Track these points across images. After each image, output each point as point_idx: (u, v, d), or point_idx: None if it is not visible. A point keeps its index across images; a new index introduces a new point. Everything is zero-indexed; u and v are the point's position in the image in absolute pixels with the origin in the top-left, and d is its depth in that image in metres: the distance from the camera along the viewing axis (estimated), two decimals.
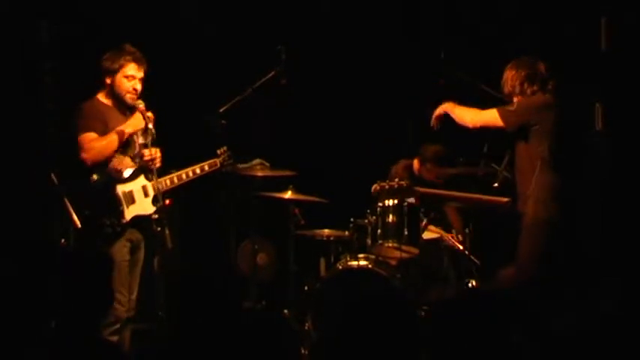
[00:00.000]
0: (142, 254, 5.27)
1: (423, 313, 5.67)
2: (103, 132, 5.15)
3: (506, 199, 5.17)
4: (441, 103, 6.42)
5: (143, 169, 5.20)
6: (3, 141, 6.52)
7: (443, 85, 6.13)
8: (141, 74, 5.18)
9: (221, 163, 5.55)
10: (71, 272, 4.06)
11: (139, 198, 5.17)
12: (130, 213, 5.13)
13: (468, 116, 5.33)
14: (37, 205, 6.25)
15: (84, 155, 5.13)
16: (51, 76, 6.93)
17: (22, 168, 6.32)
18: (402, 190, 5.67)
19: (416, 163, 6.67)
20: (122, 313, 5.05)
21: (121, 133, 5.14)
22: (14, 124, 6.61)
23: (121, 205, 5.12)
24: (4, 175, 6.46)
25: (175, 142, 5.38)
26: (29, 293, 5.30)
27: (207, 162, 5.51)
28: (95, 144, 5.12)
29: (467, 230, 5.91)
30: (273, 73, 6.09)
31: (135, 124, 5.18)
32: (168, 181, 5.30)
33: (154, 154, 5.18)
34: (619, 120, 6.13)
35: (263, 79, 6.08)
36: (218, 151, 5.58)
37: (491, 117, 5.23)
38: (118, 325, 5.02)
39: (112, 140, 5.14)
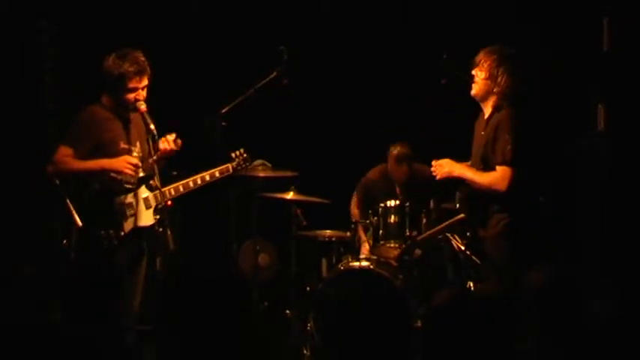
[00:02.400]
0: (144, 262, 5.13)
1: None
2: (95, 145, 4.98)
3: (461, 216, 5.09)
4: (441, 104, 6.46)
5: (145, 179, 5.06)
6: (3, 141, 6.51)
7: (444, 85, 6.12)
8: (144, 83, 5.00)
9: (234, 168, 5.34)
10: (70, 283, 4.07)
11: (140, 210, 5.02)
12: (128, 225, 4.99)
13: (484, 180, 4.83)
14: (37, 205, 6.25)
15: (49, 166, 4.97)
16: (51, 76, 6.92)
17: (23, 168, 6.31)
18: (414, 245, 5.66)
19: (390, 164, 6.70)
20: (116, 319, 4.98)
21: (98, 167, 4.95)
22: (14, 124, 6.60)
23: (119, 217, 4.97)
24: (4, 175, 6.45)
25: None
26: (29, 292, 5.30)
27: (219, 168, 5.31)
28: (66, 160, 4.95)
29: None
30: (274, 73, 6.07)
31: (116, 166, 4.97)
32: (172, 191, 5.12)
33: (170, 140, 5.06)
34: (620, 120, 6.12)
35: (265, 80, 6.06)
36: (233, 155, 5.39)
37: (510, 175, 4.75)
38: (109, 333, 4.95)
39: (84, 167, 4.95)
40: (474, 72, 4.93)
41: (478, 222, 4.93)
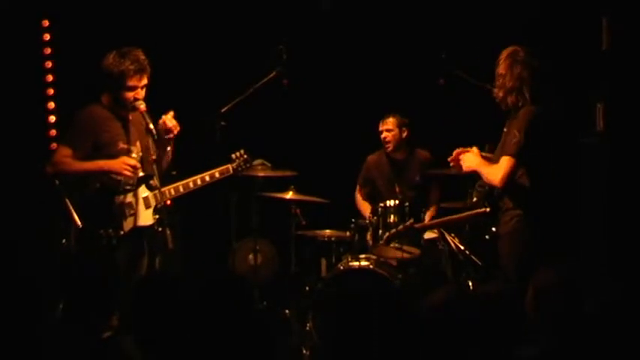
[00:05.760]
0: (144, 261, 5.13)
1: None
2: (94, 144, 4.98)
3: (483, 209, 5.10)
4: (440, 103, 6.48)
5: (145, 178, 5.05)
6: (3, 141, 6.52)
7: (443, 84, 6.14)
8: (144, 82, 5.01)
9: (234, 169, 5.34)
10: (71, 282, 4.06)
11: (140, 209, 5.02)
12: (128, 225, 4.99)
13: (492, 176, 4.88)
14: (37, 204, 6.25)
15: (48, 167, 4.97)
16: (51, 76, 6.94)
17: (23, 168, 6.32)
18: (407, 231, 5.63)
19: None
20: (114, 320, 4.97)
21: (97, 168, 4.96)
22: (14, 123, 6.62)
23: (118, 216, 4.97)
24: (4, 175, 6.46)
25: (176, 143, 5.32)
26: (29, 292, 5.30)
27: (219, 169, 5.30)
28: (65, 161, 4.94)
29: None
30: (274, 73, 6.08)
31: (114, 168, 4.97)
32: (172, 191, 5.13)
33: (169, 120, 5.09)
34: (620, 120, 6.12)
35: (264, 80, 6.07)
36: (233, 156, 5.38)
37: (509, 166, 4.80)
38: (110, 332, 4.94)
39: (83, 168, 4.96)
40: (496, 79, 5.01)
41: (494, 218, 4.96)
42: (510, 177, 4.77)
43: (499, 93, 4.95)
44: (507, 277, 4.84)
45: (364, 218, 6.41)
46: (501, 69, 4.91)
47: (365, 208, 6.73)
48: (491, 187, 4.94)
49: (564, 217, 5.03)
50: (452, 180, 6.23)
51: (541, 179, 4.84)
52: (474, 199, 5.08)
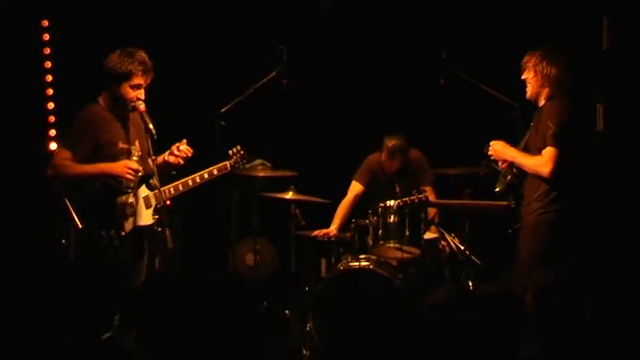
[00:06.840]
0: (144, 261, 5.14)
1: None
2: (94, 146, 4.95)
3: (506, 202, 5.14)
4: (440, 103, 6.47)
5: (145, 178, 5.03)
6: (3, 141, 6.53)
7: (443, 84, 6.14)
8: (147, 82, 5.00)
9: (232, 165, 5.32)
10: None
11: (140, 209, 5.00)
12: (129, 225, 4.97)
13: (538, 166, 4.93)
14: (37, 204, 6.26)
15: (49, 170, 4.94)
16: (51, 76, 6.94)
17: (23, 168, 6.32)
18: (421, 203, 5.65)
19: (383, 155, 6.60)
20: (114, 320, 4.97)
21: (99, 172, 4.93)
22: (14, 123, 6.62)
23: (119, 217, 4.95)
24: (4, 175, 6.46)
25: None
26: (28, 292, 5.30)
27: (217, 166, 5.28)
28: (66, 164, 4.91)
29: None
30: (274, 73, 6.08)
31: (116, 171, 4.94)
32: (172, 190, 5.12)
33: (184, 149, 5.08)
34: (620, 120, 6.12)
35: (264, 80, 6.07)
36: (230, 152, 5.37)
37: (555, 157, 4.87)
38: (110, 332, 4.94)
39: (84, 172, 4.93)
40: (523, 77, 5.05)
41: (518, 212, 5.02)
42: (557, 167, 4.82)
43: (534, 90, 5.00)
44: (519, 271, 4.88)
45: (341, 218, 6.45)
46: (546, 64, 4.95)
47: (343, 210, 6.60)
48: (514, 178, 5.01)
49: (584, 214, 5.06)
50: (445, 179, 6.27)
51: (568, 171, 4.90)
52: (497, 189, 5.13)
